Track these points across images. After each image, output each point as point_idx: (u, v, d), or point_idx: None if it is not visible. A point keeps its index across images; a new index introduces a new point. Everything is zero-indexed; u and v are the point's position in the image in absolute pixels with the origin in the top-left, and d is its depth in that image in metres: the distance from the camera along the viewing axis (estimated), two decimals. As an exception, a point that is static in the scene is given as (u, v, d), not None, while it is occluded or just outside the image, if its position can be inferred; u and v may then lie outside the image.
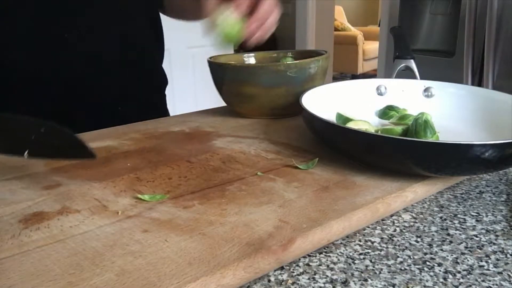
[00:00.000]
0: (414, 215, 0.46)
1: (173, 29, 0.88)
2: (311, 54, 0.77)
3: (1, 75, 0.69)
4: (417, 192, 0.47)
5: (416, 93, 0.68)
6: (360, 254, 0.39)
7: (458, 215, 0.45)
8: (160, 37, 0.86)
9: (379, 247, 0.40)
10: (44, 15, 0.68)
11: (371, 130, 0.57)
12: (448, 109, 0.61)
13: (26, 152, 0.48)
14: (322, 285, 0.35)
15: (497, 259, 0.38)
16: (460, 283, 0.35)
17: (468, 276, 0.36)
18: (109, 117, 0.73)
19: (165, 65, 0.91)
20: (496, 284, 0.35)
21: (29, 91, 0.70)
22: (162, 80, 0.89)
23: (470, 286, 0.35)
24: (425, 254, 0.39)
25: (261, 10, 0.62)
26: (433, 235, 0.42)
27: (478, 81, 1.64)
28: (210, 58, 0.75)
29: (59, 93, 0.72)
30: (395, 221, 0.45)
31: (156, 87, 0.89)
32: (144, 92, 0.84)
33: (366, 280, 0.36)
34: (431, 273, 0.36)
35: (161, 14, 0.87)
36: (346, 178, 0.49)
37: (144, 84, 0.83)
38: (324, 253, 0.39)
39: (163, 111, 0.90)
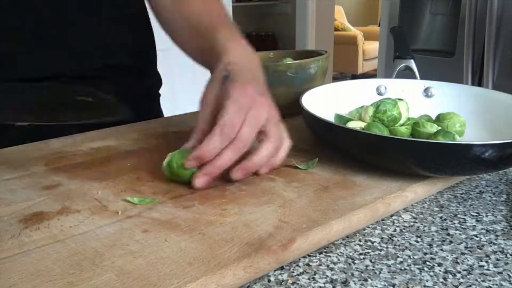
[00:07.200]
0: (414, 215, 0.46)
1: (173, 29, 0.88)
2: (311, 54, 0.77)
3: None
4: (417, 192, 0.47)
5: (416, 93, 0.68)
6: (360, 254, 0.39)
7: (458, 215, 0.45)
8: (152, 38, 0.86)
9: (379, 247, 0.40)
10: (42, 14, 0.69)
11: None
12: (448, 109, 0.61)
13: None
14: (322, 285, 0.35)
15: (497, 259, 0.38)
16: (460, 283, 0.35)
17: (468, 276, 0.36)
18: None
19: (164, 66, 0.90)
20: (496, 284, 0.35)
21: (27, 84, 0.70)
22: (156, 81, 0.89)
23: (470, 286, 0.35)
24: (425, 254, 0.39)
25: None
26: (433, 235, 0.42)
27: (478, 81, 1.64)
28: (210, 58, 0.74)
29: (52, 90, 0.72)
30: (395, 221, 0.45)
31: (150, 88, 0.89)
32: (139, 93, 0.84)
33: (366, 280, 0.36)
34: (431, 273, 0.36)
35: (150, 16, 0.86)
36: (346, 178, 0.49)
37: (139, 85, 0.83)
38: (324, 253, 0.39)
39: (157, 112, 0.90)
